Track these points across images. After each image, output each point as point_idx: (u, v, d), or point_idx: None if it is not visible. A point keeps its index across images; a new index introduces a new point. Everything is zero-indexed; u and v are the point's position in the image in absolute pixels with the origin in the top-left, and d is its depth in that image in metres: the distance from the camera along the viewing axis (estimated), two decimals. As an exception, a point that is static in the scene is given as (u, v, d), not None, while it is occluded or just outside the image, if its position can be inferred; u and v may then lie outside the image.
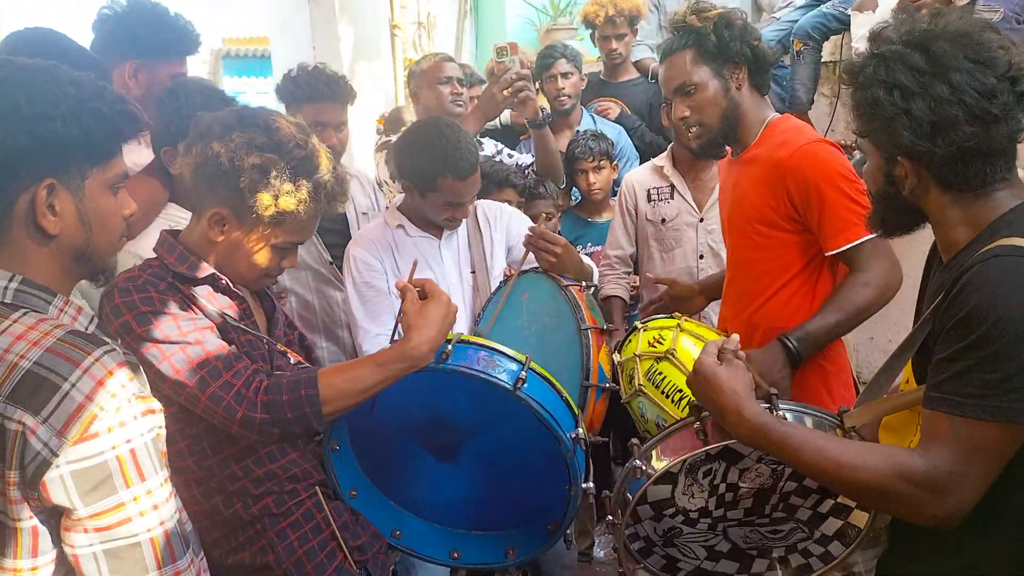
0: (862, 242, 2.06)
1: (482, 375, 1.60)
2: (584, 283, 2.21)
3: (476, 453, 1.79)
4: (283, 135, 1.61)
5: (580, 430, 1.68)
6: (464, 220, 2.49)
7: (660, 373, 2.10)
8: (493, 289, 2.43)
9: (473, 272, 2.47)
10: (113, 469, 1.15)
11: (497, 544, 1.83)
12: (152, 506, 1.18)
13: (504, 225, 2.54)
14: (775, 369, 2.05)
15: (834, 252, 2.11)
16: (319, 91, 2.85)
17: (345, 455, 1.79)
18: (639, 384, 2.11)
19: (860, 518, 1.52)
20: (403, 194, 2.73)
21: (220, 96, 2.25)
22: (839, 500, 1.51)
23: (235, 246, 1.65)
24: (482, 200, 2.67)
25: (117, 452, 1.15)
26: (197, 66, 10.25)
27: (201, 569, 1.30)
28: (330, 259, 2.97)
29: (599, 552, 3.57)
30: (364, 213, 3.09)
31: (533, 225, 2.33)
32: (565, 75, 3.77)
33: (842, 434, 1.46)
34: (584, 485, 1.67)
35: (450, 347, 1.61)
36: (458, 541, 1.85)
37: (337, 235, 3.02)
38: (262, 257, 1.66)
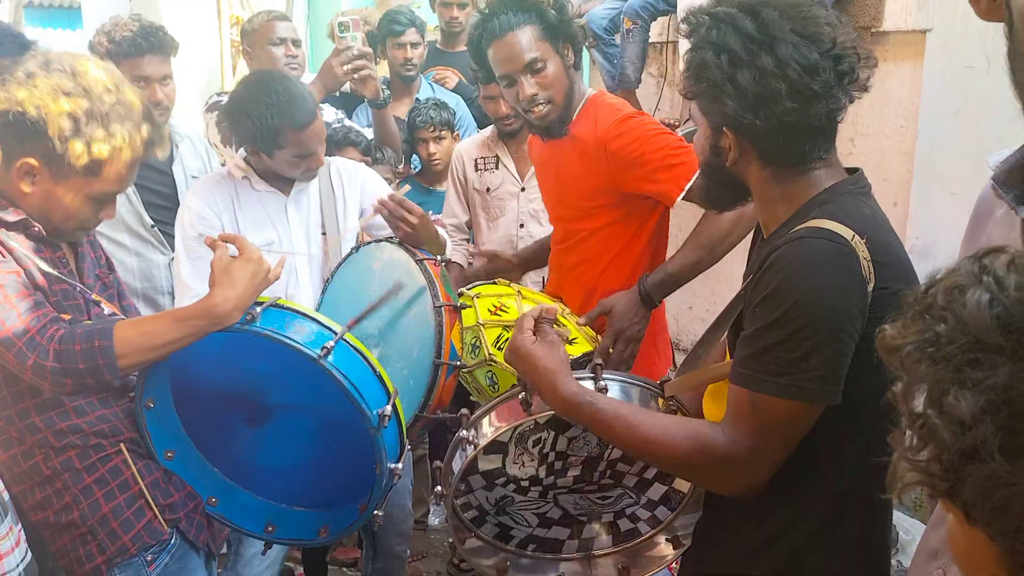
0: None
1: (286, 340, 1.53)
2: (439, 257, 2.13)
3: (288, 424, 1.74)
4: (91, 79, 1.54)
5: (389, 408, 1.59)
6: (317, 178, 2.37)
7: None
8: (344, 252, 2.30)
9: (324, 233, 2.35)
10: None
11: (313, 521, 1.79)
12: None
13: (359, 185, 2.43)
14: (633, 314, 2.10)
15: (681, 198, 2.06)
16: (138, 44, 2.69)
17: (165, 414, 1.70)
18: (489, 354, 2.09)
19: (684, 484, 1.55)
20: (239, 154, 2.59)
21: (17, 40, 2.06)
22: None
23: (47, 197, 1.57)
24: (337, 158, 2.57)
25: None
26: (-4, 15, 9.26)
27: (20, 539, 1.22)
28: (151, 222, 2.82)
29: (434, 520, 3.60)
30: (194, 176, 2.94)
31: (392, 192, 2.20)
32: (414, 45, 3.72)
33: (663, 402, 1.50)
34: (391, 465, 1.62)
35: (258, 309, 1.56)
36: (275, 515, 1.79)
37: (165, 198, 2.87)
38: (78, 208, 1.60)
